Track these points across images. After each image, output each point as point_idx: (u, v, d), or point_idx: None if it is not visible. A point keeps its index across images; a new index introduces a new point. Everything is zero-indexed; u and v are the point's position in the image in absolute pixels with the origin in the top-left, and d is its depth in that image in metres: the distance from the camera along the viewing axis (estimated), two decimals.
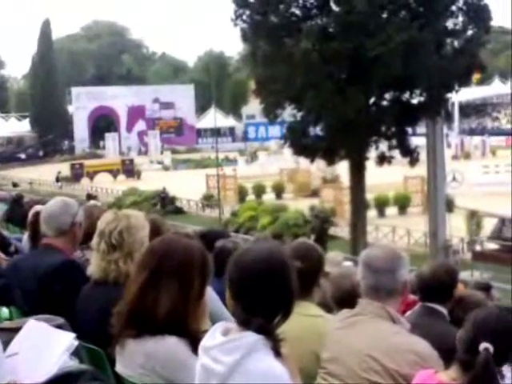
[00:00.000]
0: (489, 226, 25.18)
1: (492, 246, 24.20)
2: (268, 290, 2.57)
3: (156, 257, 3.02)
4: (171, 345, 2.91)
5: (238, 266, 2.63)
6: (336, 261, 6.30)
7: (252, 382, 2.48)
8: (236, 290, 2.62)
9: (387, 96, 25.15)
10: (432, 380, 3.05)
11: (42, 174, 56.94)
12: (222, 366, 2.55)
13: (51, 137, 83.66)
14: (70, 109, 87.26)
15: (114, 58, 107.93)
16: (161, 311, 2.92)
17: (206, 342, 2.66)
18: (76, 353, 3.02)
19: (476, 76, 30.32)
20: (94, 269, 3.82)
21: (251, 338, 2.54)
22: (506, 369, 4.44)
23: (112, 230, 3.79)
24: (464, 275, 17.43)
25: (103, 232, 3.81)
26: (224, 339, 2.59)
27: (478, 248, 24.69)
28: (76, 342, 2.88)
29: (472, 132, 73.82)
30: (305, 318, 3.89)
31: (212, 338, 2.64)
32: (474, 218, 26.44)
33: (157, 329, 2.93)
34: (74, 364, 2.99)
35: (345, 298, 4.23)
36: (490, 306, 3.28)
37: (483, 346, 2.90)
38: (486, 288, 6.46)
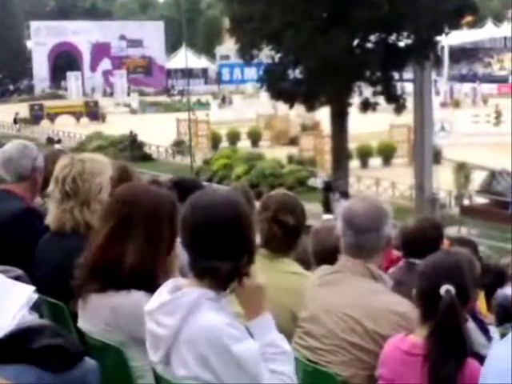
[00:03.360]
0: (478, 179, 25.35)
1: (481, 200, 24.41)
2: (228, 236, 2.56)
3: (123, 205, 2.99)
4: (137, 300, 2.90)
5: (194, 209, 2.60)
6: (315, 213, 6.32)
7: (195, 341, 2.49)
8: (189, 234, 2.59)
9: (372, 38, 25.02)
10: (404, 344, 3.08)
11: None
12: (165, 329, 2.55)
13: (6, 75, 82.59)
14: (29, 44, 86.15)
15: None
16: (127, 263, 2.91)
17: (150, 305, 2.64)
18: (36, 307, 3.01)
19: (467, 18, 30.23)
20: (50, 218, 3.78)
21: (194, 294, 2.54)
22: (492, 329, 4.51)
23: (66, 176, 3.74)
24: (451, 231, 17.59)
25: (57, 178, 3.76)
26: (165, 300, 2.58)
27: (466, 202, 24.90)
28: (35, 296, 2.87)
29: (462, 78, 73.84)
30: (285, 275, 3.91)
31: (158, 298, 2.64)
32: (463, 170, 26.57)
33: (122, 282, 2.92)
34: (33, 319, 2.98)
35: (327, 254, 4.23)
36: (438, 251, 3.41)
37: (444, 288, 2.96)
38: (471, 245, 6.52)
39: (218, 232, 2.55)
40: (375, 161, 34.17)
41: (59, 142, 41.64)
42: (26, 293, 2.86)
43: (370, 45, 25.07)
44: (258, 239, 3.90)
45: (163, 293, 2.63)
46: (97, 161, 3.89)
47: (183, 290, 2.58)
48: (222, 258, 2.54)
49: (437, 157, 28.11)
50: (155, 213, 2.96)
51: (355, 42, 24.62)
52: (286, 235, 3.99)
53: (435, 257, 3.20)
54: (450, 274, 3.02)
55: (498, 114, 42.40)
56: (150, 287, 2.83)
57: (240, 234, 2.58)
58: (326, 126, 29.13)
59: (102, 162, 3.91)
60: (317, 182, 26.87)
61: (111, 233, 2.97)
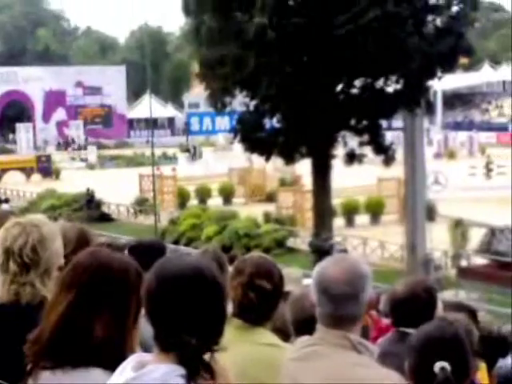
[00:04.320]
0: (477, 237, 25.45)
1: (480, 260, 24.49)
2: (197, 306, 2.58)
3: (86, 274, 2.97)
4: (95, 379, 2.88)
5: (159, 279, 2.62)
6: (295, 278, 6.33)
7: None
8: (155, 306, 2.61)
9: (357, 82, 25.23)
10: None
11: None
12: None
13: None
14: None
15: (28, 32, 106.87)
16: (94, 341, 2.88)
17: None
18: None
19: (462, 60, 30.65)
20: (0, 293, 3.73)
21: (161, 369, 2.52)
22: None
23: (22, 246, 3.70)
24: (447, 295, 17.55)
25: (10, 250, 3.71)
26: (129, 377, 2.56)
27: (463, 263, 24.96)
28: None
29: (457, 127, 74.73)
30: (260, 348, 3.90)
31: (120, 377, 2.62)
32: (460, 227, 26.70)
33: (84, 359, 2.90)
34: None
35: (308, 323, 4.22)
36: (433, 320, 3.36)
37: (438, 365, 2.93)
38: (470, 311, 6.53)
39: (186, 303, 2.57)
40: (362, 218, 34.25)
41: (7, 201, 41.42)
42: None
43: (354, 90, 25.28)
44: (230, 308, 3.91)
45: (126, 370, 2.61)
46: (49, 224, 3.89)
47: (149, 367, 2.56)
48: (189, 330, 2.54)
49: (430, 213, 28.24)
50: (123, 282, 2.96)
51: (339, 88, 24.82)
52: (262, 302, 3.99)
53: (428, 328, 3.17)
54: (446, 349, 3.00)
55: (489, 166, 42.86)
56: (116, 365, 2.78)
57: (210, 304, 2.60)
58: (307, 180, 29.22)
59: (52, 225, 3.92)
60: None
61: (73, 305, 2.93)
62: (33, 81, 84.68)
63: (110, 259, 3.03)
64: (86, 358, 2.88)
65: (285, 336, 4.38)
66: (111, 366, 2.79)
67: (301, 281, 6.52)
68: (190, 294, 2.58)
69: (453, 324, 3.23)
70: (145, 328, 2.80)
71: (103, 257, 3.05)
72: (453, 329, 3.15)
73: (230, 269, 5.31)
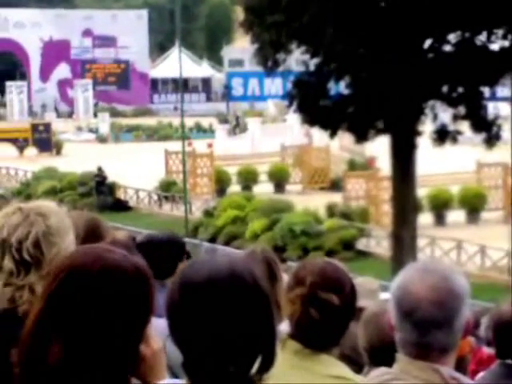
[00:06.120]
0: None
1: None
2: (236, 321, 2.56)
3: (60, 277, 2.77)
4: None
5: (185, 289, 2.61)
6: (370, 291, 6.34)
7: None
8: (179, 323, 2.61)
9: (452, 37, 25.14)
10: None
11: None
12: None
13: None
14: None
15: None
16: (54, 363, 2.68)
17: None
18: None
19: None
20: None
21: None
22: None
23: (22, 239, 3.69)
24: None
25: (7, 242, 3.70)
26: None
27: None
28: None
29: None
30: (323, 381, 3.92)
31: None
32: None
33: None
34: None
35: (385, 350, 4.24)
36: None
37: None
38: None
39: (220, 318, 2.55)
40: (456, 215, 34.14)
41: None
42: None
43: (448, 47, 25.17)
44: (285, 327, 3.94)
45: None
46: (60, 213, 3.87)
47: None
48: (226, 354, 2.55)
49: None
50: (108, 289, 2.72)
51: (427, 43, 24.73)
52: (328, 321, 4.01)
53: None
54: None
55: None
56: None
57: (252, 319, 2.59)
58: (384, 163, 29.19)
59: (64, 214, 3.91)
60: None
61: (39, 318, 2.74)
62: (28, 27, 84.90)
63: (98, 257, 2.78)
64: None
65: (355, 366, 4.41)
66: None
67: (377, 294, 6.53)
68: (225, 305, 2.56)
69: None
70: (172, 351, 2.77)
71: (89, 254, 2.82)
72: None
73: (285, 277, 5.35)
